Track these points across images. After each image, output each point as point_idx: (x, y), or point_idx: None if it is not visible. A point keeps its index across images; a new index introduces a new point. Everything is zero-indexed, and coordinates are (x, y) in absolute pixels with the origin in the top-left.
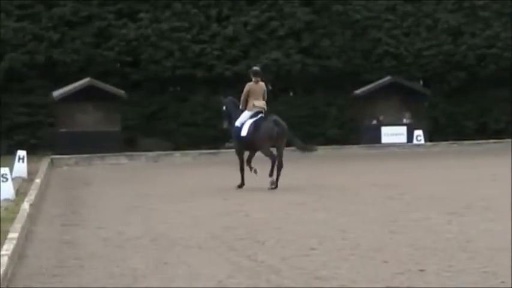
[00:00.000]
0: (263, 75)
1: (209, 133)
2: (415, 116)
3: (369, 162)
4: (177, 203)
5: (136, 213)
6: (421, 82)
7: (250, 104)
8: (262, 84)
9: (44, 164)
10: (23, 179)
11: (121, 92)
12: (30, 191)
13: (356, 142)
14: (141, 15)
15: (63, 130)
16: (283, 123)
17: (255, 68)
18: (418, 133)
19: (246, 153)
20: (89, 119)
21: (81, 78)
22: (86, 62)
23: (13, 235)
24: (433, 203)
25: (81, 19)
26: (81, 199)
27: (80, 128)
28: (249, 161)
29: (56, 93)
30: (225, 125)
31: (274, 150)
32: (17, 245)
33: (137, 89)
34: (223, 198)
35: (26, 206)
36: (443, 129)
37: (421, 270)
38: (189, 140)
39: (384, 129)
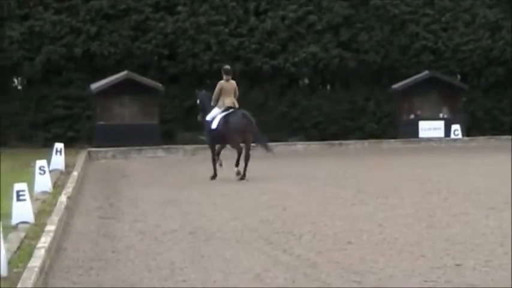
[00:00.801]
0: (233, 74)
1: None
2: (453, 110)
3: (407, 156)
4: (215, 197)
5: (173, 207)
6: (459, 77)
7: (221, 101)
8: (233, 82)
9: (81, 157)
10: (61, 172)
11: (159, 85)
12: (68, 184)
13: (394, 136)
14: (179, 8)
15: (101, 123)
16: (251, 117)
17: (226, 66)
18: (456, 128)
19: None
20: (126, 112)
21: (118, 71)
22: (124, 55)
23: (50, 228)
24: (470, 198)
25: (119, 12)
26: (119, 192)
27: (117, 121)
28: (218, 153)
29: (94, 86)
30: (199, 117)
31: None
32: (54, 238)
33: (175, 82)
34: (261, 192)
35: (63, 198)
36: (480, 124)
37: (458, 265)
38: None
39: (422, 124)
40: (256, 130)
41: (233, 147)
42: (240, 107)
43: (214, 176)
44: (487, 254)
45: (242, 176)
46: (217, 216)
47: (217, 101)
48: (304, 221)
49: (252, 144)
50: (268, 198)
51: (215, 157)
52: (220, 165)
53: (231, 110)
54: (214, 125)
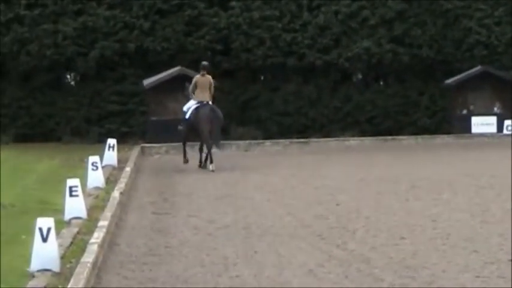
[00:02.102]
0: (210, 69)
1: (300, 122)
2: (506, 106)
3: (459, 152)
4: (268, 192)
5: (227, 202)
6: None
7: (196, 95)
8: (208, 77)
9: (134, 152)
10: (113, 167)
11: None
12: (121, 179)
13: (447, 131)
14: (233, 3)
15: (154, 118)
16: (218, 111)
17: (203, 62)
18: (508, 123)
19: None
20: (179, 108)
21: (171, 67)
22: (177, 51)
23: (103, 223)
24: None
25: (172, 7)
26: (172, 187)
27: (171, 116)
28: (200, 149)
29: (147, 82)
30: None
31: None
32: (107, 233)
33: (228, 77)
34: (314, 187)
35: (116, 194)
36: None
37: (511, 260)
38: (280, 129)
39: (474, 119)
40: (219, 125)
41: (203, 139)
42: (213, 102)
43: (186, 161)
44: None
45: (204, 164)
46: (271, 212)
47: (193, 93)
48: (358, 216)
49: None
50: (321, 193)
51: (185, 145)
52: (187, 162)
53: (204, 103)
54: (187, 116)
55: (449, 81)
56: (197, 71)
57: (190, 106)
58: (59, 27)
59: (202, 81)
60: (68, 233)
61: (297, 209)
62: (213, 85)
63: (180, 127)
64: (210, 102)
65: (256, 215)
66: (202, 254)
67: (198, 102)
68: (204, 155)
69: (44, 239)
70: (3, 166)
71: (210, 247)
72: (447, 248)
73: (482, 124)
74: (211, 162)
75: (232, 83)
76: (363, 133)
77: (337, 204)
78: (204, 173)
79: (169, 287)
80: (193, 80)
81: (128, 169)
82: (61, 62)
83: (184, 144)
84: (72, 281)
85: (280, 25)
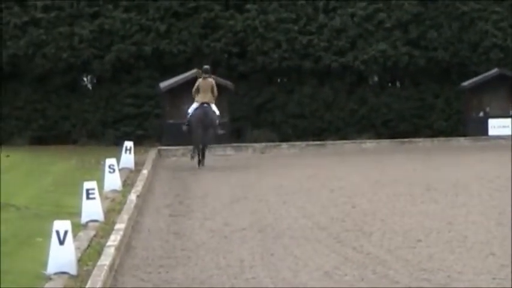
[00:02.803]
0: (211, 73)
1: (316, 124)
2: None
3: (476, 154)
4: (284, 194)
5: (243, 205)
6: None
7: (198, 98)
8: (210, 80)
9: (151, 155)
10: (130, 170)
11: (228, 83)
12: (137, 182)
13: (463, 134)
14: (248, 6)
15: (171, 121)
16: (212, 113)
17: (205, 66)
18: None
19: None
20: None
21: (188, 70)
22: (193, 53)
23: (120, 226)
24: None
25: (188, 10)
26: (189, 190)
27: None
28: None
29: (163, 85)
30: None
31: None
32: (124, 236)
33: (244, 80)
34: (330, 190)
35: (133, 197)
36: None
37: None
38: (296, 132)
39: (491, 122)
40: (211, 126)
41: (193, 140)
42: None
43: (192, 158)
44: None
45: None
46: (286, 214)
47: (196, 95)
48: (374, 218)
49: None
50: (337, 196)
51: (194, 145)
52: (193, 157)
53: (204, 105)
54: (188, 117)
55: (465, 83)
56: (214, 73)
57: (192, 108)
58: (75, 30)
59: (204, 84)
60: (85, 235)
61: (312, 211)
62: (215, 87)
63: (184, 127)
64: (212, 104)
65: (271, 217)
66: (219, 256)
67: (200, 104)
68: (198, 155)
69: (61, 242)
70: (18, 169)
71: (226, 250)
72: (463, 250)
73: (499, 126)
74: (202, 157)
75: (248, 86)
76: (379, 136)
77: (353, 207)
78: (219, 176)
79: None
80: (196, 84)
81: (144, 172)
82: (77, 65)
83: (193, 144)
84: (89, 283)
85: (296, 28)
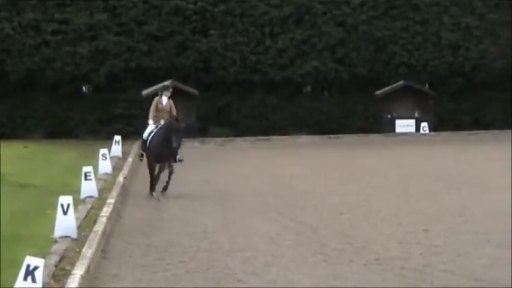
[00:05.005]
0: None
1: (264, 124)
2: (423, 111)
3: (387, 147)
4: (241, 178)
5: (209, 185)
6: (427, 85)
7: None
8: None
9: (135, 146)
10: (119, 158)
11: (195, 92)
12: (124, 167)
13: (377, 131)
14: (211, 32)
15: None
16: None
17: (165, 83)
18: (424, 125)
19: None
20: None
21: (164, 80)
22: (169, 68)
23: (110, 201)
24: (438, 179)
25: (165, 34)
26: (165, 174)
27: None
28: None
29: (145, 92)
30: None
31: None
32: (113, 209)
33: (208, 89)
34: (275, 174)
35: (121, 178)
36: (444, 122)
37: (425, 230)
38: (248, 129)
39: (398, 122)
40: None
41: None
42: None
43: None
44: (450, 221)
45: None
46: (241, 192)
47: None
48: (308, 196)
49: None
50: (280, 178)
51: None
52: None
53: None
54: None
55: (378, 92)
56: (185, 83)
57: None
58: (77, 50)
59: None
60: (83, 208)
61: (261, 190)
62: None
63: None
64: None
65: (230, 195)
66: (189, 225)
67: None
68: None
69: (65, 213)
70: (36, 158)
71: (195, 220)
72: (377, 221)
73: (404, 126)
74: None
75: (211, 93)
76: (312, 132)
77: (292, 187)
78: (190, 163)
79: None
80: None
81: (130, 159)
82: (79, 77)
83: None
84: (86, 245)
85: (248, 49)
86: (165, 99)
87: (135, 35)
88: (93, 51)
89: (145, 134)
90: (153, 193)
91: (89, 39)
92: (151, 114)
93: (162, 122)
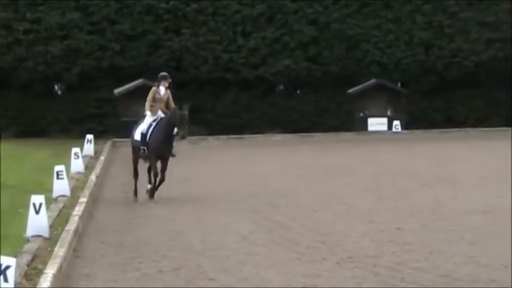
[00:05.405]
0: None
1: (237, 123)
2: (395, 110)
3: (360, 145)
4: (214, 176)
5: (182, 184)
6: (400, 84)
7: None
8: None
9: (107, 145)
10: (91, 157)
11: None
12: (97, 166)
13: (349, 130)
14: (184, 30)
15: (124, 119)
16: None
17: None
18: (396, 123)
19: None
20: (142, 110)
21: (136, 79)
22: (141, 67)
23: (83, 199)
24: (411, 177)
25: (137, 33)
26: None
27: (137, 118)
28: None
29: (117, 91)
30: None
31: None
32: (86, 207)
33: (181, 88)
34: (248, 172)
35: (93, 177)
36: (417, 120)
37: (398, 228)
38: (222, 128)
39: (370, 120)
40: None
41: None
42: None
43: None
44: (423, 219)
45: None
46: (215, 191)
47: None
48: (281, 194)
49: None
50: (253, 177)
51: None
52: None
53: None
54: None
55: (351, 90)
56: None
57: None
58: (49, 49)
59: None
60: (56, 207)
61: (234, 189)
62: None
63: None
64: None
65: (203, 193)
66: (163, 223)
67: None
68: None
69: (37, 212)
70: (8, 157)
71: (168, 218)
72: (350, 219)
73: (377, 124)
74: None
75: (183, 92)
76: (285, 131)
77: (267, 185)
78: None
79: (135, 248)
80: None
81: (102, 158)
82: (51, 76)
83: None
84: (58, 244)
85: (220, 47)
86: (162, 90)
87: (107, 34)
88: (65, 50)
89: (143, 127)
90: (136, 198)
91: (61, 38)
92: (147, 104)
93: (160, 113)
